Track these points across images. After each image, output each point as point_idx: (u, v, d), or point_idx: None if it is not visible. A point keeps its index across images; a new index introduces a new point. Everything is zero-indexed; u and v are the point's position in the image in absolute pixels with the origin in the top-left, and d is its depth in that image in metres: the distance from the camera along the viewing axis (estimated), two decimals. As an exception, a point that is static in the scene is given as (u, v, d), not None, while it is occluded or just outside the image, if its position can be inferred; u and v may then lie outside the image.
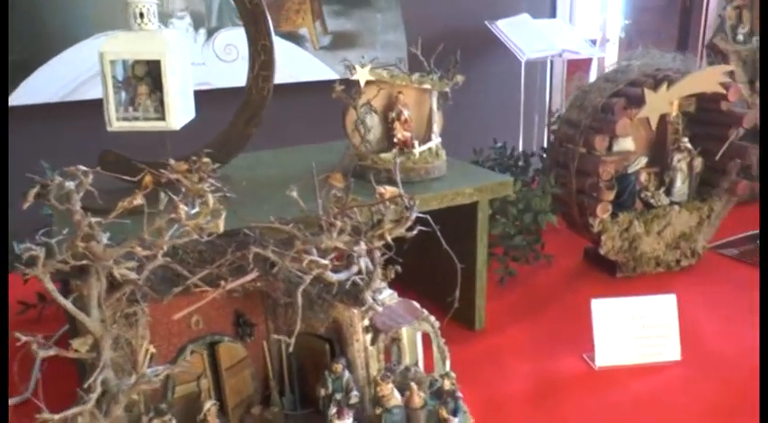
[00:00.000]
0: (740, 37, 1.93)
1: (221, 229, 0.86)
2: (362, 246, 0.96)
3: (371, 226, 0.95)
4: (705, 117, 1.66)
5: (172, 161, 0.85)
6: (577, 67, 3.38)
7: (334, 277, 0.97)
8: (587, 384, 1.25)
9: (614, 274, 1.64)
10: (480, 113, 2.89)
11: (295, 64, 2.55)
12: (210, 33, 2.43)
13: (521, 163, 1.83)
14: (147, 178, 0.87)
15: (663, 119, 1.61)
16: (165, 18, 2.30)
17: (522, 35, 2.85)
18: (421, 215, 0.97)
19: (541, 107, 3.32)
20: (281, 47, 2.43)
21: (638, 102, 1.51)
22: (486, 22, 2.77)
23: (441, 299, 1.49)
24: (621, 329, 1.30)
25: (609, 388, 1.24)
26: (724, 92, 1.55)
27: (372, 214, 0.96)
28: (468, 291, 1.38)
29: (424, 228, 0.98)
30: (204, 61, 2.41)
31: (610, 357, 1.29)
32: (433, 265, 1.46)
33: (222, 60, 2.46)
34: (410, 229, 0.95)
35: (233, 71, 2.40)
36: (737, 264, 1.73)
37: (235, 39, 2.44)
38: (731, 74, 1.75)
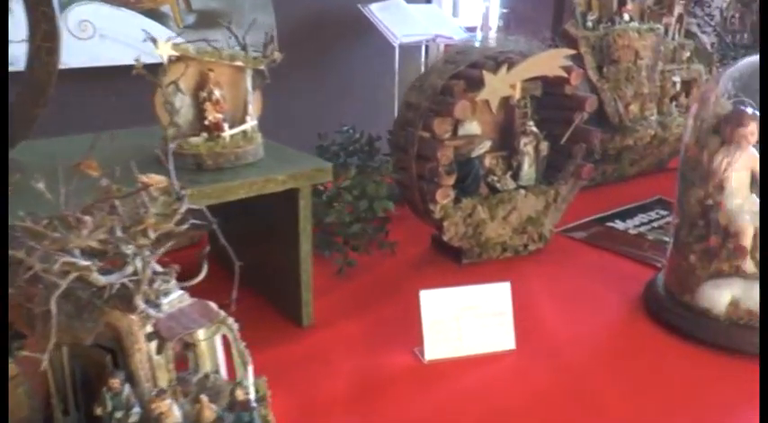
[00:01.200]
0: (589, 23, 1.86)
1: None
2: (131, 244, 0.81)
3: (134, 221, 0.80)
4: (551, 101, 1.58)
5: None
6: (456, 53, 3.30)
7: (102, 280, 0.82)
8: (415, 380, 1.16)
9: (460, 261, 1.53)
10: (352, 98, 2.77)
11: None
12: (63, 8, 2.19)
13: (367, 148, 1.70)
14: None
15: (510, 103, 1.52)
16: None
17: (395, 19, 2.75)
18: (195, 207, 0.83)
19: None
20: (142, 25, 2.26)
21: (478, 84, 1.40)
22: (358, 5, 2.64)
23: (274, 295, 1.36)
24: (452, 321, 1.20)
25: (437, 382, 1.15)
26: (565, 75, 1.47)
27: (138, 207, 0.81)
28: (294, 285, 1.25)
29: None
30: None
31: (439, 350, 1.19)
32: (264, 260, 1.33)
33: (77, 38, 2.24)
34: (180, 223, 0.81)
35: (89, 49, 2.19)
36: (585, 247, 1.67)
37: (91, 14, 2.22)
38: (576, 58, 1.68)
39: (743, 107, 1.29)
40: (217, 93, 1.17)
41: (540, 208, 1.56)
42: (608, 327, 1.34)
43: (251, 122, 1.20)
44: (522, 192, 1.54)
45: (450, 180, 1.42)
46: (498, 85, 1.40)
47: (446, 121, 1.42)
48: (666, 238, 1.67)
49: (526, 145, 1.56)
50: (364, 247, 1.49)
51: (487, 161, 1.55)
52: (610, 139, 1.86)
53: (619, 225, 1.78)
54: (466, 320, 1.21)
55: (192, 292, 1.46)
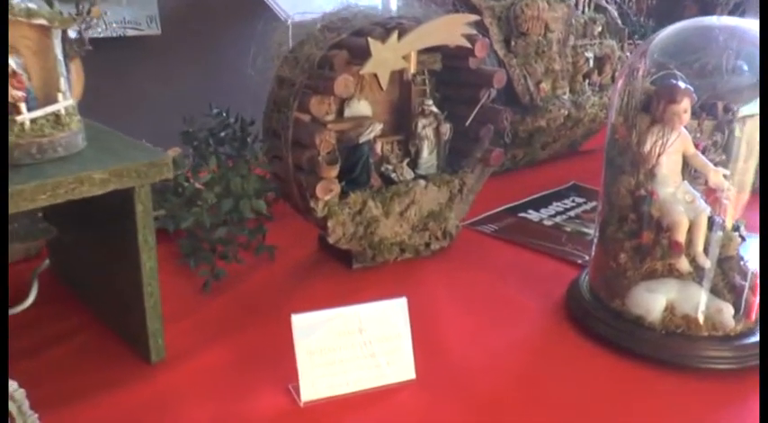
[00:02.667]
0: (495, -8, 1.61)
1: None
2: None
3: None
4: (453, 77, 1.33)
5: None
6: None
7: None
8: (289, 428, 0.88)
9: (351, 265, 1.26)
10: (240, 78, 2.45)
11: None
12: None
13: (240, 134, 1.40)
14: None
15: (404, 78, 1.25)
16: None
17: (287, -4, 2.44)
18: None
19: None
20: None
21: (364, 55, 1.12)
22: (248, -22, 2.33)
23: (119, 324, 1.06)
24: (334, 350, 0.93)
25: (317, 430, 0.88)
26: (469, 46, 1.21)
27: None
28: (139, 313, 0.95)
29: None
30: None
31: (319, 388, 0.92)
32: (108, 280, 1.03)
33: None
34: None
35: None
36: (497, 242, 1.43)
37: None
38: (481, 26, 1.43)
39: (674, 81, 1.06)
40: (13, 62, 0.86)
41: (443, 200, 1.30)
42: (526, 341, 1.09)
43: (64, 102, 0.89)
44: (422, 182, 1.28)
45: (333, 171, 1.15)
46: (388, 57, 1.13)
47: (326, 99, 1.14)
48: (586, 230, 1.45)
49: (425, 128, 1.30)
50: (234, 255, 1.20)
51: (380, 147, 1.28)
52: (520, 121, 1.62)
53: (532, 215, 1.54)
54: (352, 348, 0.94)
55: (22, 318, 1.14)
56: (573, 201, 1.63)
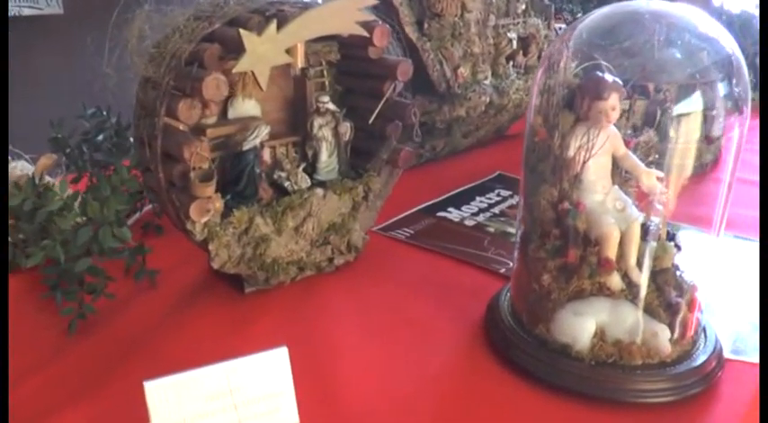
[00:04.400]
0: (403, -31, 1.40)
1: None
2: None
3: None
4: (355, 67, 1.13)
5: None
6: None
7: None
8: None
9: (243, 289, 1.07)
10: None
11: None
12: None
13: (115, 139, 1.18)
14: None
15: (293, 72, 1.05)
16: None
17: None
18: None
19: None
20: None
21: (239, 48, 0.91)
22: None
23: None
24: (201, 417, 0.73)
25: None
26: (366, 34, 1.01)
27: None
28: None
29: None
30: None
31: (183, 467, 0.72)
32: None
33: None
34: None
35: None
36: (409, 249, 1.24)
37: None
38: (390, 12, 1.24)
39: (600, 73, 0.89)
40: None
41: (345, 210, 1.11)
42: (439, 375, 0.92)
43: None
44: (320, 192, 1.08)
45: (209, 189, 0.94)
46: (266, 51, 0.93)
47: (196, 103, 0.93)
48: (510, 229, 1.28)
49: (321, 127, 1.10)
50: (102, 289, 0.99)
51: (269, 153, 1.09)
52: (437, 111, 1.43)
53: (453, 214, 1.37)
54: (223, 414, 0.75)
55: None
56: (498, 194, 1.46)
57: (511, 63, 1.56)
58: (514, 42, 1.53)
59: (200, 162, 0.93)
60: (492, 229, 1.30)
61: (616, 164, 0.93)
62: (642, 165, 0.92)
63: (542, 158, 0.89)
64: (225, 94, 0.93)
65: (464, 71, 1.42)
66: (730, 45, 0.89)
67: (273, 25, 0.92)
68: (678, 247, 0.94)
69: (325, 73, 1.15)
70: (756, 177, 1.59)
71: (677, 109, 0.89)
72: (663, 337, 0.88)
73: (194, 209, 0.94)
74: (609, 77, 0.88)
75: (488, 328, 0.97)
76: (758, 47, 2.09)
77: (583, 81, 0.89)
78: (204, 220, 0.96)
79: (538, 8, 1.62)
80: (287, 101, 1.13)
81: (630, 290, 0.90)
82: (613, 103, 0.87)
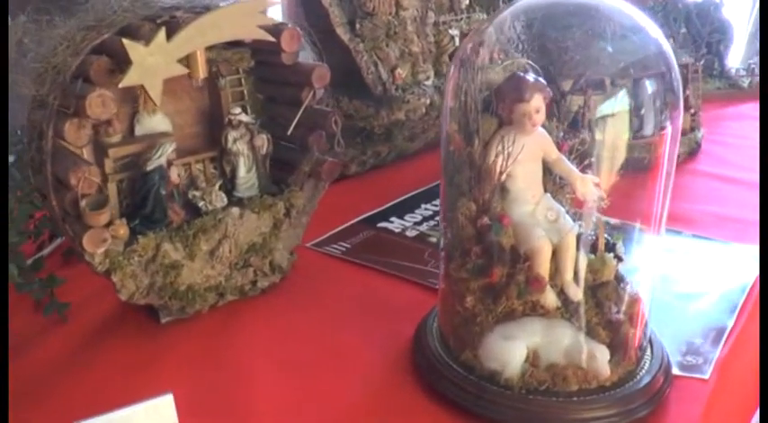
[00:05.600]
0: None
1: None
2: None
3: None
4: (271, 75, 1.04)
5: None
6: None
7: None
8: None
9: (159, 319, 0.97)
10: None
11: None
12: None
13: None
14: None
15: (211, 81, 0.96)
16: None
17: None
18: None
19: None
20: None
21: (128, 60, 0.82)
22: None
23: None
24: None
25: None
26: (271, 39, 0.91)
27: None
28: None
29: None
30: None
31: None
32: None
33: None
34: None
35: None
36: (344, 266, 1.15)
37: None
38: (320, 7, 1.15)
39: (522, 73, 0.80)
40: None
41: (266, 229, 1.02)
42: (359, 412, 0.82)
43: None
44: (235, 211, 0.98)
45: (101, 217, 0.85)
46: (155, 62, 0.83)
47: (84, 122, 0.83)
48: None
49: (236, 141, 1.01)
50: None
51: (189, 169, 0.99)
52: (375, 115, 1.33)
53: (395, 224, 1.27)
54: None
55: None
56: (445, 200, 1.36)
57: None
58: (457, 39, 1.43)
59: (89, 188, 0.83)
60: (434, 240, 1.20)
61: (549, 170, 0.84)
62: (576, 170, 0.83)
63: (460, 169, 0.80)
64: (113, 111, 0.83)
65: (402, 72, 1.33)
66: (659, 38, 0.80)
67: (162, 34, 0.82)
68: (619, 258, 0.85)
69: (242, 81, 1.05)
70: (727, 173, 1.50)
71: (603, 108, 0.79)
72: (602, 358, 0.79)
73: (88, 239, 0.84)
74: (530, 77, 0.79)
75: (415, 356, 0.87)
76: (719, 35, 2.00)
77: (502, 82, 0.80)
78: (101, 250, 0.86)
79: (484, 2, 1.53)
80: (202, 113, 1.04)
81: (567, 307, 0.81)
82: (537, 105, 0.78)
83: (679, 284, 1.06)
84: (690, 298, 1.03)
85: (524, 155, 0.80)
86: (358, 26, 1.29)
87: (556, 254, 0.81)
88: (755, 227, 1.24)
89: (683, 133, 1.58)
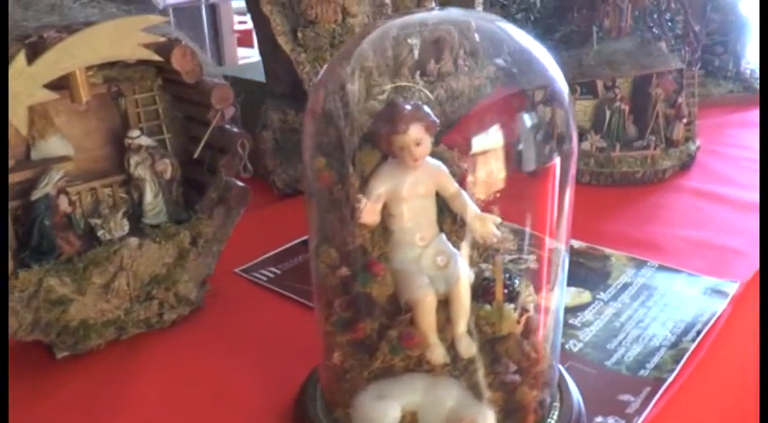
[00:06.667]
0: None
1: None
2: None
3: None
4: (183, 94, 0.96)
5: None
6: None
7: None
8: None
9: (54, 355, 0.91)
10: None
11: None
12: None
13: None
14: None
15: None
16: None
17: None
18: None
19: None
20: None
21: (-10, 85, 0.75)
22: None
23: None
24: None
25: None
26: (157, 58, 0.84)
27: None
28: None
29: None
30: None
31: None
32: None
33: None
34: None
35: None
36: (264, 295, 1.06)
37: None
38: (260, 15, 1.07)
39: (403, 99, 0.71)
40: None
41: (169, 260, 0.94)
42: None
43: None
44: (133, 241, 0.91)
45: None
46: (18, 87, 0.76)
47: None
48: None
49: (138, 166, 0.93)
50: None
51: (93, 195, 0.93)
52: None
53: (339, 246, 1.18)
54: None
55: None
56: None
57: (418, 73, 1.35)
58: (416, 50, 1.31)
59: (-52, 222, 0.77)
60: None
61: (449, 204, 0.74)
62: (474, 207, 0.72)
63: (327, 209, 0.70)
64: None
65: (351, 85, 1.22)
66: (551, 68, 0.69)
67: (21, 57, 0.75)
68: (523, 310, 0.74)
69: (156, 99, 0.98)
70: (717, 189, 1.36)
71: (477, 143, 0.69)
72: (486, 424, 0.69)
73: (-53, 276, 0.79)
74: (407, 106, 0.69)
75: (297, 408, 0.78)
76: (736, 32, 1.84)
77: (380, 111, 0.70)
78: (-36, 287, 0.80)
79: (455, 4, 1.40)
80: (113, 134, 0.97)
81: (455, 364, 0.71)
82: (416, 137, 0.68)
83: (618, 331, 0.94)
84: (626, 345, 0.91)
85: (409, 191, 0.70)
86: (300, 35, 1.20)
87: (448, 304, 0.71)
88: (734, 255, 1.11)
89: (675, 145, 1.43)
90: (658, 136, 1.41)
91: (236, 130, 0.93)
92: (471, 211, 0.72)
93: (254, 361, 0.89)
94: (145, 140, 0.92)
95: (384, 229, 0.71)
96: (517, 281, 0.75)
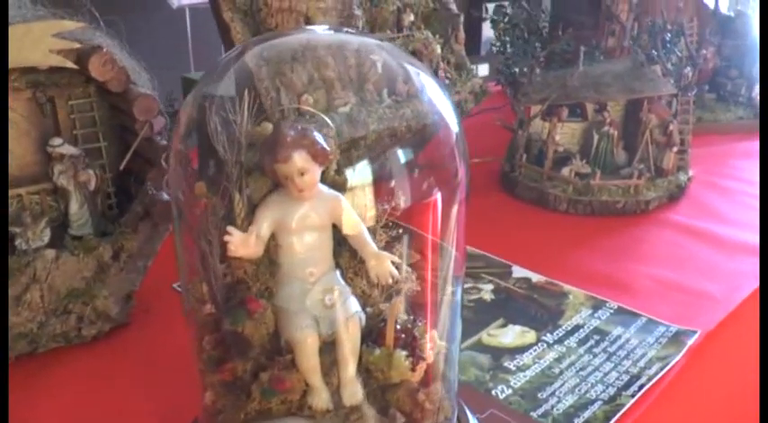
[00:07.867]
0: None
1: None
2: None
3: None
4: (115, 102, 0.92)
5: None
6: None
7: None
8: None
9: (-32, 364, 0.88)
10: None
11: None
12: None
13: None
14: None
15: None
16: None
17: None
18: None
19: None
20: None
21: None
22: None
23: None
24: None
25: None
26: (72, 65, 0.80)
27: None
28: None
29: None
30: None
31: None
32: None
33: None
34: None
35: None
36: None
37: None
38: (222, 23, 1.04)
39: (292, 122, 0.66)
40: None
41: (88, 274, 0.90)
42: None
43: None
44: (49, 253, 0.87)
45: None
46: None
47: None
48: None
49: (61, 174, 0.90)
50: None
51: (19, 202, 0.90)
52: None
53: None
54: None
55: None
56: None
57: (385, 91, 1.27)
58: (379, 65, 1.24)
59: None
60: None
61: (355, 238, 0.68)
62: (372, 245, 0.66)
63: (200, 236, 0.65)
64: None
65: (309, 99, 1.16)
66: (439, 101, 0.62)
67: None
68: (418, 358, 0.67)
69: (94, 106, 0.94)
70: (705, 225, 1.26)
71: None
72: (360, 483, 0.63)
73: None
74: (290, 131, 0.63)
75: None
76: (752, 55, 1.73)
77: (267, 136, 0.65)
78: None
79: (441, 18, 1.34)
80: (45, 140, 0.93)
81: (338, 412, 0.65)
82: (301, 166, 0.62)
83: (555, 378, 0.86)
84: (559, 395, 0.83)
85: (299, 223, 0.64)
86: (262, 46, 1.15)
87: (335, 346, 0.65)
88: (705, 301, 1.02)
89: (665, 174, 1.33)
90: (647, 164, 1.32)
91: (164, 142, 0.89)
92: (369, 248, 0.66)
93: (160, 385, 0.85)
94: (67, 149, 0.89)
95: (270, 261, 0.65)
96: (420, 324, 0.69)
